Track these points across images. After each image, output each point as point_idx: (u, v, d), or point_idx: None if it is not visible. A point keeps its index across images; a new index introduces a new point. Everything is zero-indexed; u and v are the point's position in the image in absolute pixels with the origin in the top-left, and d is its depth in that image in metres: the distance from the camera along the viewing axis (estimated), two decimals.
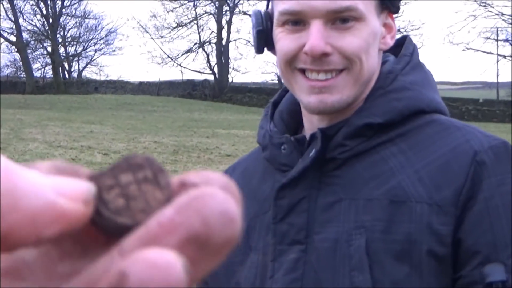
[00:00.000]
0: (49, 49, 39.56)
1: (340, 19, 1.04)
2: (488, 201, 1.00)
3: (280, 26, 1.08)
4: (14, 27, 37.40)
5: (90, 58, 43.32)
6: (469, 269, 0.98)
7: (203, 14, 37.38)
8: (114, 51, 42.57)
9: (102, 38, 41.94)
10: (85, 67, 43.80)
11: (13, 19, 36.88)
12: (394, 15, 1.16)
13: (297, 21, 1.05)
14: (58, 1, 39.12)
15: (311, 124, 1.14)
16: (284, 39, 1.07)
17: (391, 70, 1.13)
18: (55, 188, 0.24)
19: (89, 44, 42.01)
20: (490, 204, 1.00)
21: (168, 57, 37.75)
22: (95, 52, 42.57)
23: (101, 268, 0.24)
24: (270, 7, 1.14)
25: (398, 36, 1.19)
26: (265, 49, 1.15)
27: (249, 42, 38.63)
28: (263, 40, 1.13)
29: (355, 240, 1.01)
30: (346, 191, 1.06)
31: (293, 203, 1.07)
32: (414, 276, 0.99)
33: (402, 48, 1.17)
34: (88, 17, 41.14)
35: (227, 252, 0.25)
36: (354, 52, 1.04)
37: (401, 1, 1.09)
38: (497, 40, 37.49)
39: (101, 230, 0.26)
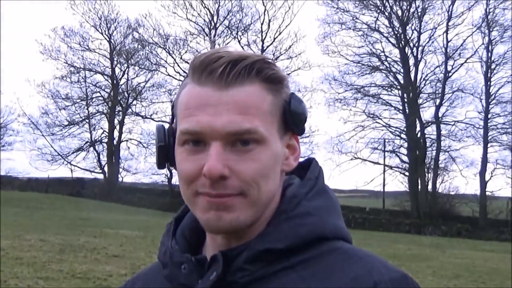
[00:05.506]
0: None
1: (241, 141, 1.02)
2: None
3: (181, 145, 1.05)
4: None
5: None
6: None
7: (96, 113, 37.93)
8: (3, 146, 41.78)
9: None
10: None
11: None
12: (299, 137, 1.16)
13: (197, 141, 1.03)
14: None
15: (214, 242, 1.11)
16: (185, 160, 1.05)
17: (296, 194, 1.11)
18: None
19: None
20: None
21: (59, 154, 37.50)
22: None
23: None
24: (174, 122, 1.11)
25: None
26: (167, 164, 1.13)
27: (140, 143, 38.88)
28: (165, 155, 1.11)
29: None
30: None
31: None
32: None
33: (308, 171, 1.16)
34: None
35: None
36: (252, 177, 1.02)
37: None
38: (384, 151, 39.54)
39: None
